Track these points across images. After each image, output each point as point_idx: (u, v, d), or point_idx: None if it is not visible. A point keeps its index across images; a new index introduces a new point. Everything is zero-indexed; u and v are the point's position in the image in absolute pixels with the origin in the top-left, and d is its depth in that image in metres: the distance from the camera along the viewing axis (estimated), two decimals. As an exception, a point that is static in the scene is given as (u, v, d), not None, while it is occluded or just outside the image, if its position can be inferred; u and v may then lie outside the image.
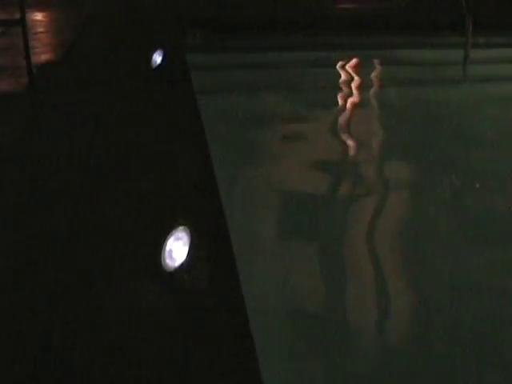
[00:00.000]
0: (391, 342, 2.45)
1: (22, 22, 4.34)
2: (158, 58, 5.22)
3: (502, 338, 2.41)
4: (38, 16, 7.26)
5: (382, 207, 3.64)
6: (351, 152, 4.59)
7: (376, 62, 6.80)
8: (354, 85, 5.97)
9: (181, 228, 2.35)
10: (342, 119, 5.27)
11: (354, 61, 6.70)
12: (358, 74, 6.33)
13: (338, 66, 6.53)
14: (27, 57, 4.32)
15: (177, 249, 2.19)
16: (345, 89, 5.87)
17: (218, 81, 5.98)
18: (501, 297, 2.68)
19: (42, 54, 5.17)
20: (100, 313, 1.84)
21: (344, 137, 4.90)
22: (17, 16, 4.37)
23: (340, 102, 5.62)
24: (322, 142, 4.57)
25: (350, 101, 5.61)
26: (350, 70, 6.44)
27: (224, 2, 7.73)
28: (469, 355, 2.30)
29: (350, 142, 4.78)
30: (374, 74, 6.52)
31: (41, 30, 6.51)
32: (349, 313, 2.63)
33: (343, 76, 6.26)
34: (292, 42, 7.03)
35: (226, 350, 1.69)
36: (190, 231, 2.32)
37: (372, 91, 6.00)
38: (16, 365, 1.62)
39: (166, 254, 2.14)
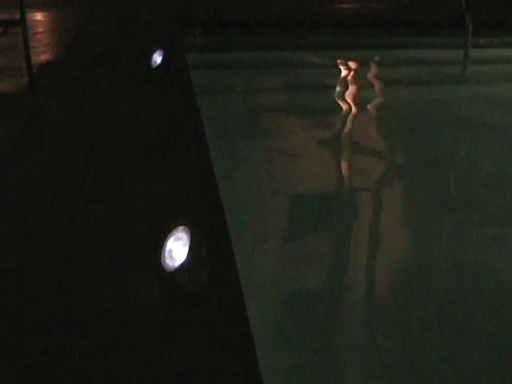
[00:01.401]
0: (391, 336, 2.45)
1: (22, 22, 4.33)
2: (158, 58, 5.22)
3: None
4: (38, 16, 7.26)
5: (381, 205, 3.65)
6: (351, 151, 4.59)
7: (376, 61, 6.81)
8: (353, 85, 5.97)
9: (181, 228, 2.35)
10: (342, 119, 5.27)
11: (354, 61, 6.70)
12: (358, 74, 6.33)
13: (337, 66, 6.53)
14: (27, 57, 4.31)
15: (177, 249, 2.19)
16: (345, 89, 5.87)
17: (217, 81, 5.98)
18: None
19: (41, 54, 5.16)
20: (99, 313, 1.84)
21: (344, 136, 4.91)
22: (17, 16, 4.36)
23: (340, 101, 5.62)
24: (322, 142, 4.58)
25: (349, 101, 5.61)
26: (350, 70, 6.44)
27: (224, 2, 7.72)
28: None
29: (350, 142, 4.79)
30: (374, 74, 6.52)
31: (41, 30, 6.50)
32: (349, 311, 2.63)
33: (343, 76, 6.26)
34: (292, 42, 7.02)
35: (226, 349, 1.69)
36: (190, 231, 2.32)
37: (372, 91, 6.00)
38: (16, 364, 1.62)
39: (166, 254, 2.14)
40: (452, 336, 2.40)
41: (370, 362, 2.30)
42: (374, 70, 6.65)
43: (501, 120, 5.08)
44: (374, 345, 2.41)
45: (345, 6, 8.13)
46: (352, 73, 6.37)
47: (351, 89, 5.86)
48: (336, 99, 5.65)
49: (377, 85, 6.25)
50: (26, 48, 4.33)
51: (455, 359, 2.26)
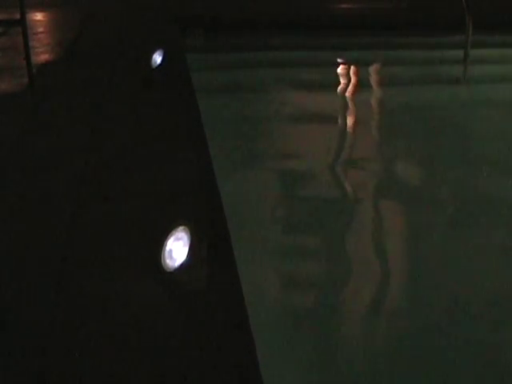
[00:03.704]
0: (390, 339, 2.45)
1: (22, 22, 4.34)
2: (157, 58, 5.22)
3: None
4: (38, 16, 7.25)
5: (381, 207, 3.64)
6: (351, 151, 4.59)
7: (376, 61, 6.80)
8: (353, 85, 5.97)
9: (181, 228, 2.35)
10: (342, 119, 5.27)
11: (354, 61, 6.69)
12: (357, 74, 6.33)
13: (337, 66, 6.53)
14: (27, 57, 4.32)
15: (177, 249, 2.19)
16: (344, 89, 5.87)
17: (217, 81, 5.98)
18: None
19: (41, 54, 5.17)
20: (99, 313, 1.84)
21: (343, 136, 4.91)
22: (17, 16, 4.36)
23: (340, 101, 5.62)
24: (322, 142, 4.57)
25: (349, 101, 5.61)
26: (350, 70, 6.43)
27: (224, 2, 7.72)
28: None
29: (350, 142, 4.79)
30: (373, 74, 6.52)
31: (41, 30, 6.50)
32: (349, 313, 2.63)
33: (343, 76, 6.26)
34: (292, 42, 7.02)
35: (225, 349, 1.69)
36: (190, 231, 2.32)
37: (372, 91, 6.00)
38: (16, 364, 1.62)
39: (166, 253, 2.14)
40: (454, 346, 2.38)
41: (370, 363, 2.30)
42: (374, 70, 6.64)
43: (501, 120, 5.08)
44: (374, 346, 2.41)
45: (345, 5, 8.13)
46: (352, 73, 6.37)
47: (351, 89, 5.86)
48: (335, 99, 5.65)
49: (376, 85, 6.24)
50: (26, 48, 4.34)
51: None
